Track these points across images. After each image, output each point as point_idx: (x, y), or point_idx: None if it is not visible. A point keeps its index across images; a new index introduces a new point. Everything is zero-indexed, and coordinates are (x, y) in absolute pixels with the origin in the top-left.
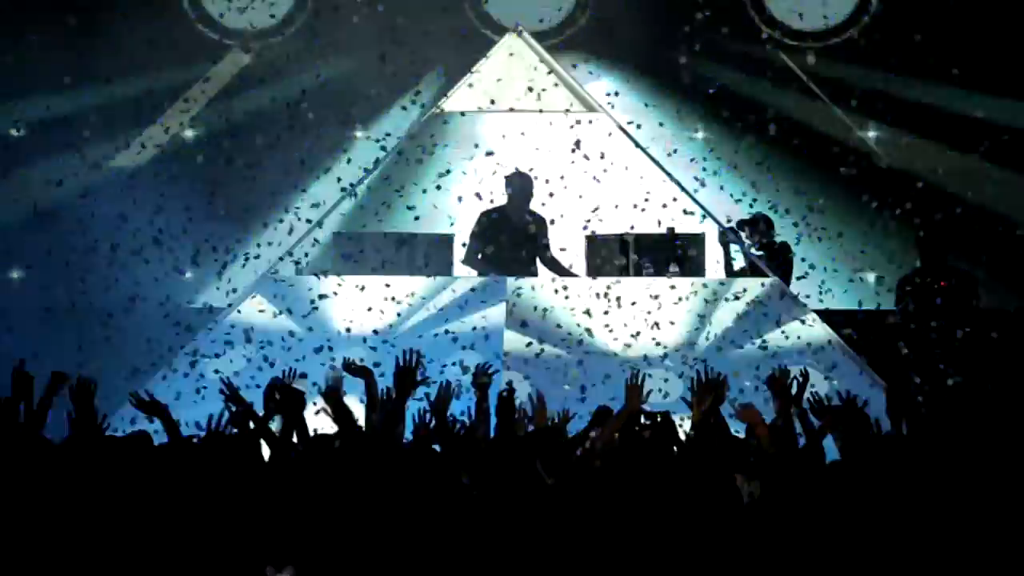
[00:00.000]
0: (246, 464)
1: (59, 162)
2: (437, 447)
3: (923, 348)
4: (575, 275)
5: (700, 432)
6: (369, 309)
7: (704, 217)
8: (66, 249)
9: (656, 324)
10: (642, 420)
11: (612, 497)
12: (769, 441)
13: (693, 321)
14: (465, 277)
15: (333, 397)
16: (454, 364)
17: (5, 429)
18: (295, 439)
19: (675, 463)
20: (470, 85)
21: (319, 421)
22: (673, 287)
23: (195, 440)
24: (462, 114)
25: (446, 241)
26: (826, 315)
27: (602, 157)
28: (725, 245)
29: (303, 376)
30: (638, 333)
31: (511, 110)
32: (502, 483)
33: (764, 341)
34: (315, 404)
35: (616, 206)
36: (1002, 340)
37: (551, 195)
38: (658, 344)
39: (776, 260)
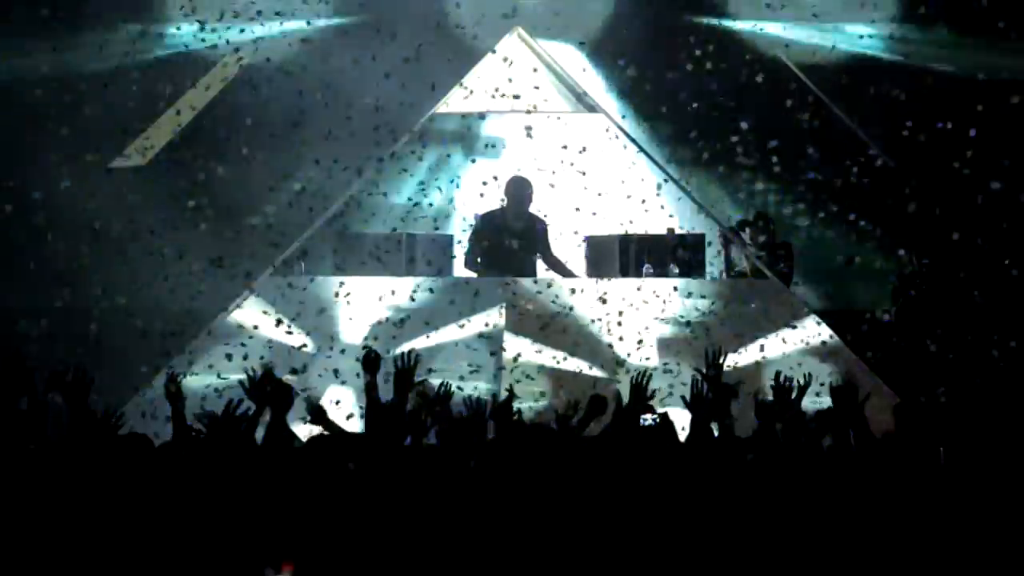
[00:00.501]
0: (244, 464)
1: (48, 167)
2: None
3: (917, 348)
4: (575, 275)
5: (700, 435)
6: (368, 311)
7: (705, 217)
8: (58, 252)
9: (657, 325)
10: (644, 420)
11: (613, 497)
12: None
13: (693, 321)
14: (465, 278)
15: (320, 417)
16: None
17: (5, 425)
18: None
19: (674, 464)
20: (471, 86)
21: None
22: (674, 287)
23: (196, 432)
24: (462, 114)
25: (446, 241)
26: (824, 315)
27: (599, 158)
28: (726, 245)
29: (294, 372)
30: (639, 335)
31: (511, 110)
32: (503, 483)
33: (764, 341)
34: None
35: (616, 206)
36: (998, 342)
37: (551, 196)
38: (658, 345)
39: (777, 260)
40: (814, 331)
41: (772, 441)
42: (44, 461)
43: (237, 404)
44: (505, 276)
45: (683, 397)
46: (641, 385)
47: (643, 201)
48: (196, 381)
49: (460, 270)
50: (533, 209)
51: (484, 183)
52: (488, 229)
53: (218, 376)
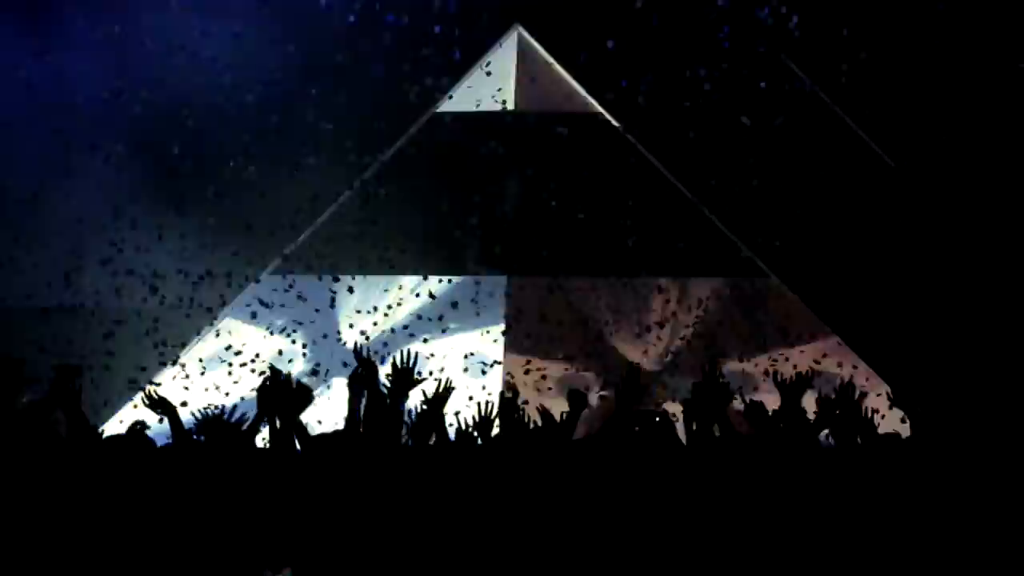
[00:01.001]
0: (244, 464)
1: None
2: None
3: (914, 348)
4: (573, 275)
5: (701, 434)
6: (370, 310)
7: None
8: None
9: (657, 324)
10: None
11: (610, 496)
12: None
13: (694, 321)
14: (465, 277)
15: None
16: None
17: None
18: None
19: (675, 463)
20: (470, 84)
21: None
22: (673, 288)
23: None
24: (462, 113)
25: (446, 241)
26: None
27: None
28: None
29: (315, 372)
30: (638, 334)
31: (512, 109)
32: (502, 483)
33: (765, 342)
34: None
35: (616, 206)
36: (995, 341)
37: (551, 195)
38: (659, 345)
39: None
40: (814, 331)
41: (771, 440)
42: (42, 461)
43: (231, 412)
44: (505, 274)
45: (683, 401)
46: (629, 382)
47: (640, 203)
48: (197, 383)
49: (460, 269)
50: (530, 205)
51: (482, 183)
52: (487, 227)
53: (216, 388)
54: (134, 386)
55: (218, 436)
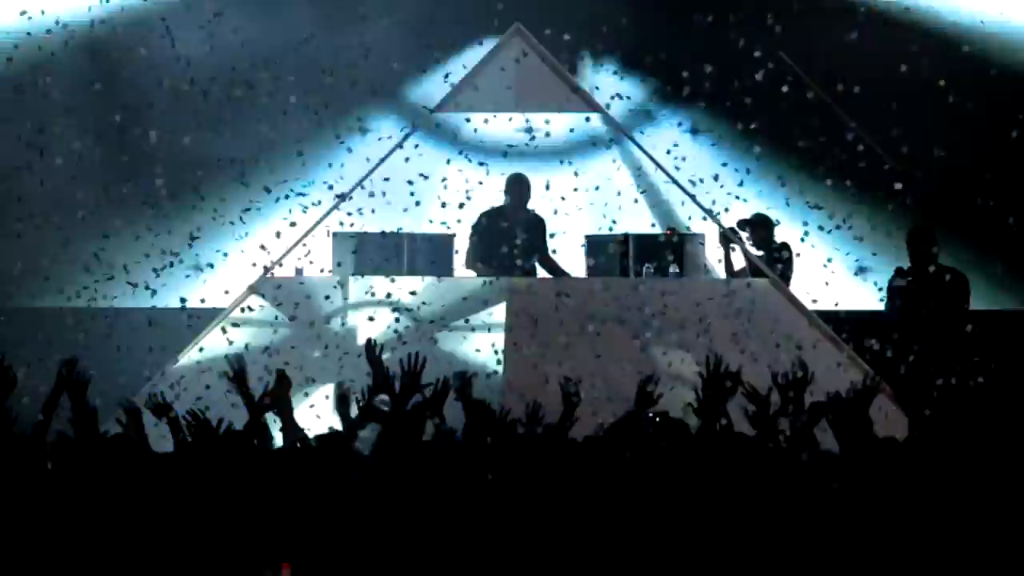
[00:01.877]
0: (245, 464)
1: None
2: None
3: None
4: (572, 276)
5: (707, 430)
6: (370, 311)
7: (705, 217)
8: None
9: (656, 325)
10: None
11: (621, 497)
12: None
13: (693, 321)
14: (465, 278)
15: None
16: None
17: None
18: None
19: (683, 463)
20: (470, 85)
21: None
22: (673, 288)
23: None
24: (461, 114)
25: (446, 241)
26: (823, 315)
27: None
28: (726, 245)
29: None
30: (638, 334)
31: (511, 110)
32: (504, 483)
33: (764, 341)
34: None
35: (615, 206)
36: (994, 341)
37: (549, 196)
38: (658, 345)
39: (776, 260)
40: (812, 331)
41: (773, 439)
42: (34, 459)
43: (218, 424)
44: (504, 275)
45: (689, 403)
46: (646, 389)
47: (636, 201)
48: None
49: (460, 269)
50: (531, 207)
51: (480, 182)
52: (487, 228)
53: (215, 391)
54: (132, 389)
55: (210, 440)
